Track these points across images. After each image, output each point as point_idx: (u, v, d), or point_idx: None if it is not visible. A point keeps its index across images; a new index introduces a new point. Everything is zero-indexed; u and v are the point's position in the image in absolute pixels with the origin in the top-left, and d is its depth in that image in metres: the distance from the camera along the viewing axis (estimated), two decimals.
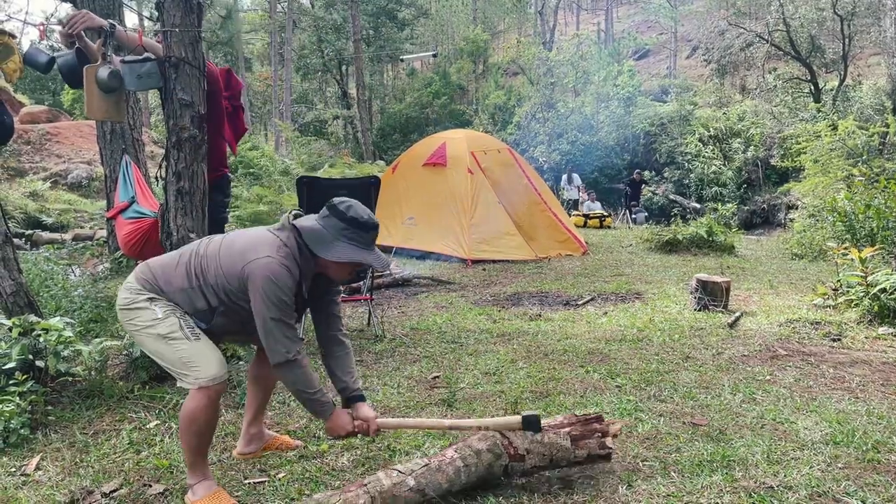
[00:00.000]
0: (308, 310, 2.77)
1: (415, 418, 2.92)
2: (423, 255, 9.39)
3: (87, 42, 3.94)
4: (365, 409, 2.64)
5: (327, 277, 2.62)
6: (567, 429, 2.61)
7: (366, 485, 2.30)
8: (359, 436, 2.64)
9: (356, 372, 2.75)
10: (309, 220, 2.53)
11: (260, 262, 2.39)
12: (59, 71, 4.06)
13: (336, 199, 2.54)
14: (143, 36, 4.05)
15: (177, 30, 3.78)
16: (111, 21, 3.93)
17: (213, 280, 2.48)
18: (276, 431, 3.23)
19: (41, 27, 4.61)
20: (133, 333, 2.57)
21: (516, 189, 10.15)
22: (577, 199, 18.76)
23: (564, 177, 19.65)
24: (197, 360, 2.43)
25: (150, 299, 2.51)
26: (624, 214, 18.40)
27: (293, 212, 2.61)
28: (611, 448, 2.60)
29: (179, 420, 2.48)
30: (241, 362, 4.00)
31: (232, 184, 5.26)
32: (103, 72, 3.85)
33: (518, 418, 2.59)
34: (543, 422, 2.64)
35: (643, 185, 20.02)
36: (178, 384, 2.50)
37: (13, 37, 4.00)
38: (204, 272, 2.50)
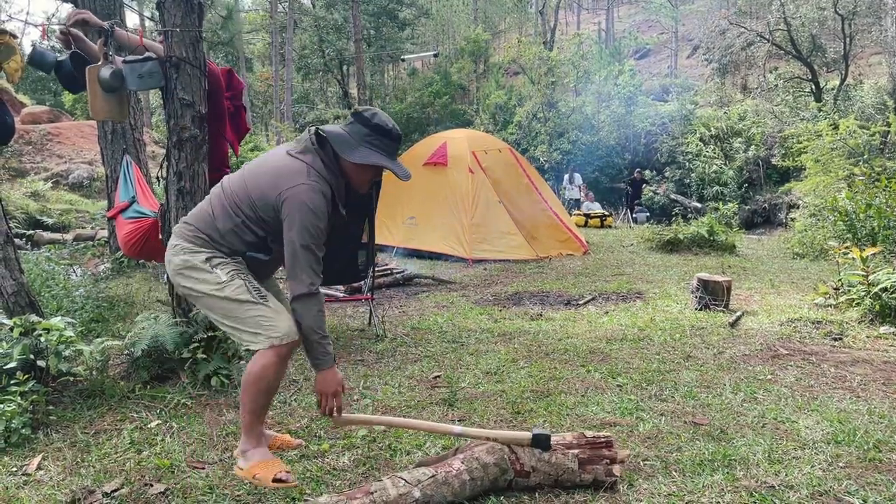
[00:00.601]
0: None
1: (428, 422, 2.89)
2: (424, 255, 9.39)
3: (87, 43, 3.95)
4: None
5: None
6: (576, 450, 2.57)
7: (372, 493, 2.28)
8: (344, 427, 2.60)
9: None
10: (334, 127, 2.55)
11: (294, 190, 2.38)
12: (55, 74, 4.08)
13: (361, 107, 2.57)
14: (144, 37, 4.06)
15: (178, 30, 3.78)
16: (111, 21, 3.94)
17: (250, 213, 2.48)
18: (277, 430, 3.23)
19: (43, 27, 4.61)
20: (195, 298, 2.54)
21: (517, 188, 10.16)
22: (579, 199, 18.79)
23: (566, 176, 19.67)
24: (269, 319, 2.41)
25: (209, 259, 2.48)
26: (625, 214, 18.41)
27: (314, 128, 2.58)
28: (617, 476, 2.56)
29: (245, 381, 2.44)
30: (241, 362, 4.00)
31: None
32: (105, 71, 3.86)
33: (528, 434, 2.56)
34: (554, 438, 2.60)
35: (644, 185, 20.03)
36: (246, 346, 2.48)
37: (14, 37, 4.00)
38: (240, 207, 2.48)
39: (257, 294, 2.46)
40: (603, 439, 2.62)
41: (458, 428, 2.68)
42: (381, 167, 2.54)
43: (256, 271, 2.60)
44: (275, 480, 2.37)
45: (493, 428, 3.20)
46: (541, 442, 2.54)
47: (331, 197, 2.47)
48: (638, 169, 20.33)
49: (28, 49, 4.18)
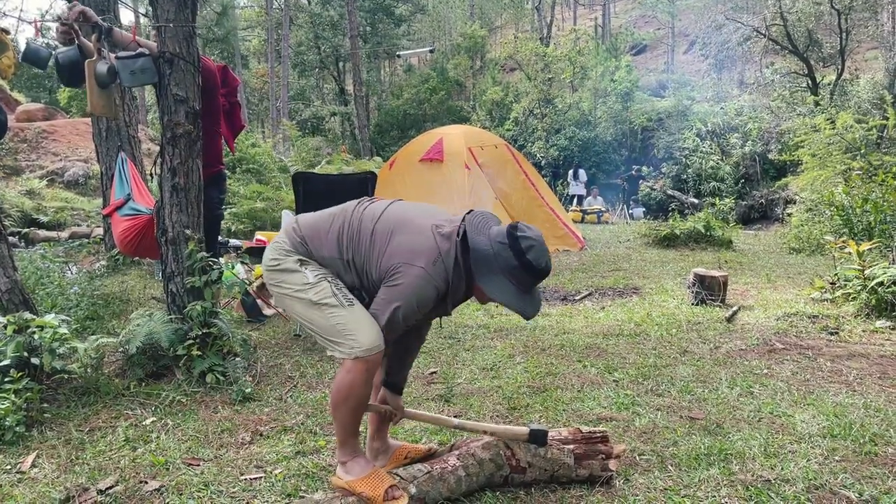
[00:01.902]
0: None
1: (428, 413, 2.84)
2: None
3: (82, 40, 3.93)
4: (398, 400, 2.62)
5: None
6: (571, 446, 2.56)
7: None
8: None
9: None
10: (481, 235, 2.30)
11: (411, 272, 2.21)
12: (59, 67, 4.03)
13: (521, 230, 2.29)
14: (139, 35, 4.04)
15: (171, 25, 3.76)
16: (107, 23, 3.93)
17: (360, 261, 2.32)
18: (271, 428, 3.23)
19: (36, 24, 4.59)
20: (280, 297, 2.41)
21: (513, 184, 10.15)
22: (582, 195, 18.89)
23: (570, 172, 19.80)
24: (353, 328, 2.24)
25: (301, 261, 2.35)
26: (622, 209, 18.43)
27: (467, 217, 2.38)
28: (613, 471, 2.56)
29: (332, 394, 2.33)
30: (237, 359, 3.99)
31: (227, 180, 5.24)
32: (102, 66, 3.84)
33: (525, 430, 2.55)
34: (549, 433, 2.60)
35: (641, 181, 20.06)
36: (329, 353, 2.34)
37: (7, 33, 3.98)
38: (354, 249, 2.33)
39: (343, 298, 2.30)
40: (598, 434, 2.62)
41: (456, 420, 2.67)
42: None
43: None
44: (386, 500, 2.25)
45: (490, 424, 3.20)
46: (538, 438, 2.53)
47: (443, 294, 2.30)
48: (635, 165, 20.36)
49: (22, 46, 4.13)
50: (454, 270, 2.27)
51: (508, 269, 2.25)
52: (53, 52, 4.07)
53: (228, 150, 4.92)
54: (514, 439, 2.56)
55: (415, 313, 2.27)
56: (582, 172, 19.63)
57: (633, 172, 19.61)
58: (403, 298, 2.22)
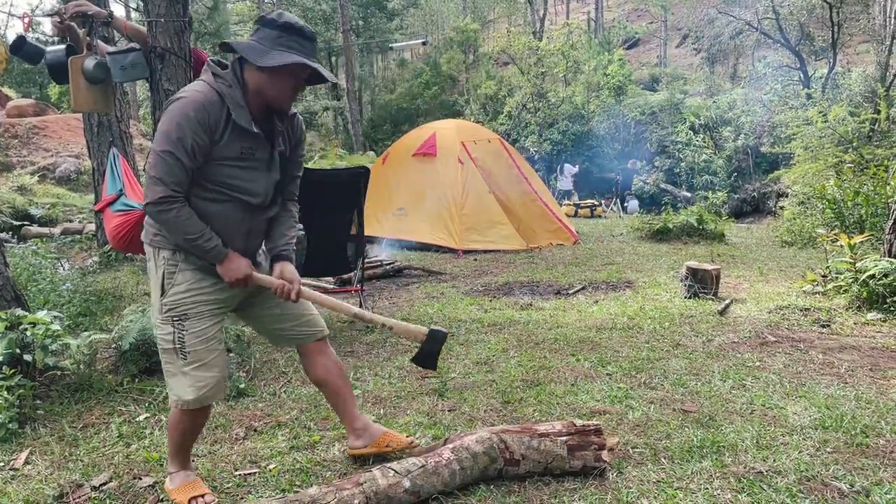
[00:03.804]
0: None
1: (325, 296, 2.67)
2: (414, 246, 9.38)
3: (77, 33, 3.91)
4: (289, 269, 2.50)
5: (278, 115, 2.41)
6: (564, 437, 2.57)
7: (361, 484, 2.28)
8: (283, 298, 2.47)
9: (291, 239, 2.56)
10: (240, 40, 2.39)
11: (171, 105, 2.25)
12: (46, 66, 4.03)
13: (267, 13, 2.36)
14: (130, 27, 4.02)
15: (161, 20, 3.74)
16: (110, 10, 3.91)
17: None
18: (265, 423, 3.23)
19: (26, 19, 4.56)
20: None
21: (507, 179, 10.14)
22: (570, 190, 18.94)
23: (558, 168, 19.83)
24: (181, 382, 2.39)
25: (164, 273, 2.36)
26: (615, 203, 18.47)
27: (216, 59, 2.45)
28: (606, 462, 2.57)
29: (168, 420, 2.53)
30: (230, 354, 3.99)
31: None
32: (89, 62, 3.83)
33: (425, 329, 2.64)
34: (543, 427, 2.61)
35: (634, 175, 20.10)
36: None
37: None
38: None
39: (180, 349, 2.35)
40: (592, 426, 2.63)
41: (355, 309, 2.68)
42: (301, 71, 2.30)
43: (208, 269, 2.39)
44: None
45: (484, 418, 3.21)
46: (436, 338, 2.64)
47: (220, 108, 2.24)
48: (632, 159, 20.39)
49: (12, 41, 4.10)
50: (217, 81, 2.28)
51: (274, 40, 2.27)
52: (45, 49, 4.06)
53: None
54: (412, 338, 2.66)
55: (187, 131, 2.19)
56: (568, 167, 19.67)
57: (630, 166, 19.62)
58: (170, 120, 2.20)
